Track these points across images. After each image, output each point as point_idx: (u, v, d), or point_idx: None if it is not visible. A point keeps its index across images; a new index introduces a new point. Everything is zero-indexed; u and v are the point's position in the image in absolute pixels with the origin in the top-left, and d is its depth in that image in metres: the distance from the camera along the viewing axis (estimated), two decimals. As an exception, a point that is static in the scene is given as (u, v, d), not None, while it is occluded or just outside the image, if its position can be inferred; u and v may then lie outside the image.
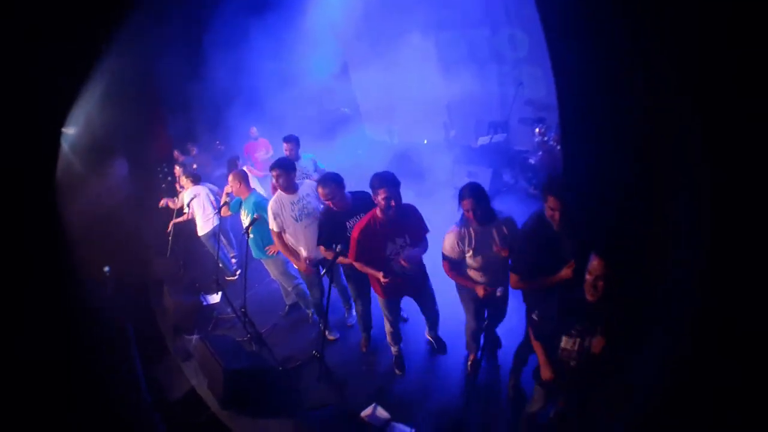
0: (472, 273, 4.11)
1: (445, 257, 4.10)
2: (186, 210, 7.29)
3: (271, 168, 4.96)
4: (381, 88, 10.01)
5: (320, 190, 4.44)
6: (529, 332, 3.60)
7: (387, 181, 3.98)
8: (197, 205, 7.23)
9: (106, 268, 7.42)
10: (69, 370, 4.42)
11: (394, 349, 5.18)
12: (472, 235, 3.93)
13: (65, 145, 7.15)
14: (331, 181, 4.40)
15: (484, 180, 7.88)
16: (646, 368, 3.30)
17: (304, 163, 6.52)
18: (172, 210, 7.63)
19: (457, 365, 5.15)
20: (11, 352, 3.70)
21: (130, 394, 6.16)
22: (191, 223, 7.70)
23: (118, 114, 8.08)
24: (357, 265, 4.38)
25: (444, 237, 4.03)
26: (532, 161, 7.85)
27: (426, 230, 4.42)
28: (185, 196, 7.27)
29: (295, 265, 5.28)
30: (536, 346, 3.44)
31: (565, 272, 3.48)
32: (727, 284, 2.79)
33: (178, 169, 7.95)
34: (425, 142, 9.66)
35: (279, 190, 5.02)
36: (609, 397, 3.47)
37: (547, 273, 3.61)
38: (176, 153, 9.25)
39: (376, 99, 10.44)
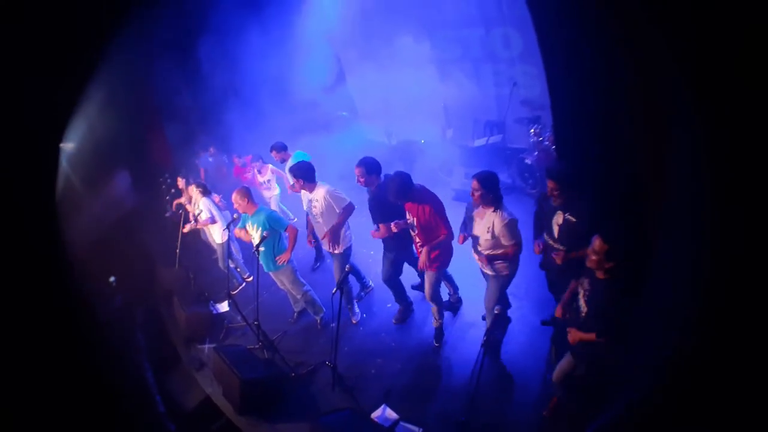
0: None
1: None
2: (202, 216, 7.27)
3: (290, 172, 5.64)
4: (377, 90, 10.03)
5: (355, 169, 5.32)
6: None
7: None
8: (215, 213, 7.26)
9: (112, 279, 7.49)
10: (81, 382, 4.50)
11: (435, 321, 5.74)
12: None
13: (65, 162, 7.19)
14: (363, 165, 5.30)
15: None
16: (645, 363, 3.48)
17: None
18: (179, 220, 7.68)
19: (463, 363, 5.37)
20: (22, 366, 3.77)
21: (143, 404, 6.32)
22: (197, 235, 7.82)
23: (116, 125, 8.10)
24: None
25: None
26: (528, 161, 7.96)
27: (440, 230, 4.92)
28: (201, 205, 7.25)
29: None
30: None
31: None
32: (722, 279, 2.90)
33: (181, 181, 7.98)
34: (422, 141, 9.73)
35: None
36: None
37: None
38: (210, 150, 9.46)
39: (373, 100, 10.48)
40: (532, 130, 8.06)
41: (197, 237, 7.91)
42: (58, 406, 4.16)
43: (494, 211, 4.49)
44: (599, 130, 4.35)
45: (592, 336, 3.70)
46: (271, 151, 7.27)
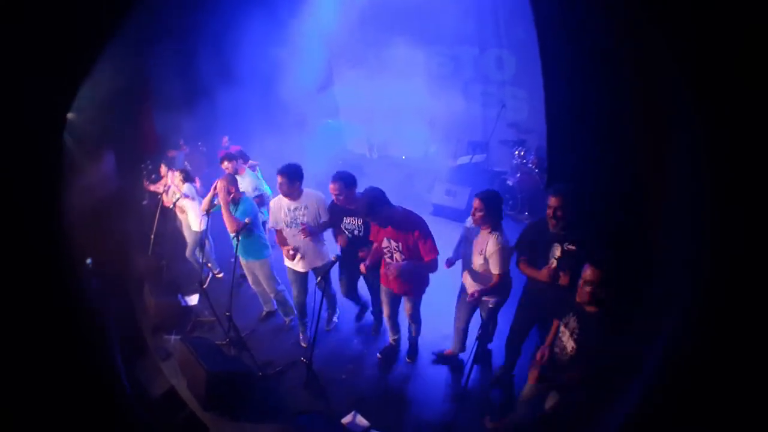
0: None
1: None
2: (184, 201, 7.18)
3: (278, 173, 5.14)
4: (364, 99, 10.12)
5: (330, 186, 5.00)
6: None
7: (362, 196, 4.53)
8: (193, 202, 7.18)
9: (88, 261, 7.38)
10: (52, 358, 4.41)
11: (392, 339, 5.67)
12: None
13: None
14: (340, 181, 4.97)
15: (462, 199, 8.13)
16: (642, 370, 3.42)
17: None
18: (155, 208, 7.60)
19: (438, 374, 5.42)
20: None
21: (112, 385, 6.23)
22: (174, 224, 7.74)
23: (108, 106, 8.04)
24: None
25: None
26: (510, 182, 8.08)
27: (429, 251, 4.64)
28: (184, 190, 7.15)
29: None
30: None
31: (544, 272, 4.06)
32: (723, 286, 2.85)
33: (164, 168, 7.90)
34: (403, 157, 9.78)
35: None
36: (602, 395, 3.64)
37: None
38: (171, 151, 9.24)
39: (359, 110, 10.54)
40: (516, 152, 8.21)
41: (174, 226, 7.80)
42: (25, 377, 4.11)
43: (490, 232, 4.34)
44: (598, 135, 4.32)
45: (572, 376, 3.47)
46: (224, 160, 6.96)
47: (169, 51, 9.05)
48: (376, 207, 4.39)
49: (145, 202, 8.41)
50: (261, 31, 9.19)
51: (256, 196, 6.70)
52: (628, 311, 3.46)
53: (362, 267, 5.02)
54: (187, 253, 7.52)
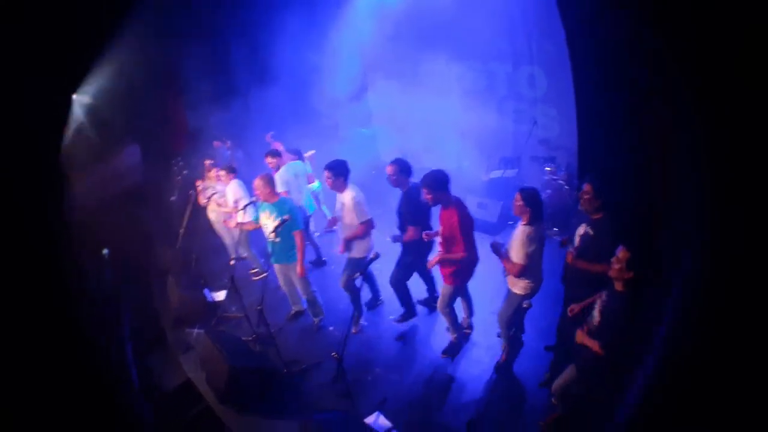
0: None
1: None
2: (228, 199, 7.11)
3: (325, 168, 5.54)
4: (398, 111, 10.18)
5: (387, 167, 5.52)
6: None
7: (423, 181, 5.01)
8: (243, 196, 7.02)
9: (105, 251, 7.38)
10: (58, 349, 4.38)
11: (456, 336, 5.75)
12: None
13: (81, 116, 7.13)
14: (397, 163, 5.49)
15: (494, 212, 8.12)
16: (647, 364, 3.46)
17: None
18: (186, 204, 7.62)
19: (462, 382, 5.36)
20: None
21: (118, 377, 6.18)
22: (205, 222, 7.73)
23: (138, 101, 8.13)
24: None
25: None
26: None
27: (458, 244, 4.99)
28: (234, 188, 7.07)
29: None
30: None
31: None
32: (722, 279, 2.91)
33: (208, 162, 7.77)
34: (436, 169, 9.79)
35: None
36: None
37: None
38: (216, 143, 9.25)
39: (392, 121, 10.54)
40: (547, 168, 8.18)
41: (205, 224, 7.79)
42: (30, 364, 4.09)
43: (524, 224, 4.61)
44: (627, 149, 4.44)
45: (595, 344, 3.81)
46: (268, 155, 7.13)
47: (202, 48, 9.16)
48: (437, 184, 4.93)
49: (173, 198, 8.40)
50: (299, 36, 9.30)
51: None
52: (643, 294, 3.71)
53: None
54: (242, 250, 7.49)
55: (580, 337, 3.96)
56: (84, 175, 7.07)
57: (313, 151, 8.04)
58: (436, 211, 5.27)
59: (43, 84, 4.34)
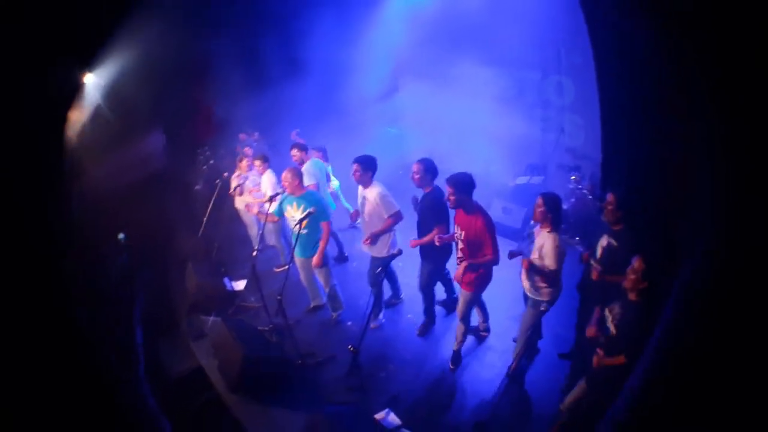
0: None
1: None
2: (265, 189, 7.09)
3: (353, 161, 5.56)
4: (427, 113, 10.16)
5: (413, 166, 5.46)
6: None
7: (449, 180, 5.00)
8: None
9: (121, 236, 7.42)
10: (58, 349, 4.36)
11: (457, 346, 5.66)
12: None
13: (101, 99, 7.18)
14: (423, 162, 5.46)
15: (518, 218, 8.07)
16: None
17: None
18: (211, 193, 7.64)
19: (475, 385, 5.35)
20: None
21: (123, 360, 6.20)
22: (231, 212, 7.76)
23: (165, 87, 8.16)
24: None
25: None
26: (564, 206, 7.95)
27: (488, 250, 4.95)
28: (270, 177, 7.08)
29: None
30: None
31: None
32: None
33: (249, 150, 7.92)
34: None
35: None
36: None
37: None
38: (242, 135, 9.26)
39: (422, 122, 10.52)
40: (572, 177, 8.10)
41: (229, 214, 7.82)
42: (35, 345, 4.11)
43: (549, 232, 4.60)
44: (651, 158, 4.48)
45: (620, 359, 3.83)
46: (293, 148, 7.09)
47: (234, 38, 9.21)
48: (464, 187, 4.96)
49: (198, 187, 8.46)
50: (332, 32, 9.35)
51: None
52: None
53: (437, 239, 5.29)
54: (274, 239, 7.52)
55: (599, 359, 4.00)
56: (104, 158, 7.11)
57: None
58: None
59: (43, 84, 4.39)
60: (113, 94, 7.37)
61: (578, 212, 7.80)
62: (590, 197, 7.82)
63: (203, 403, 5.59)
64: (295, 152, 6.96)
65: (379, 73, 10.41)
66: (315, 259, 5.82)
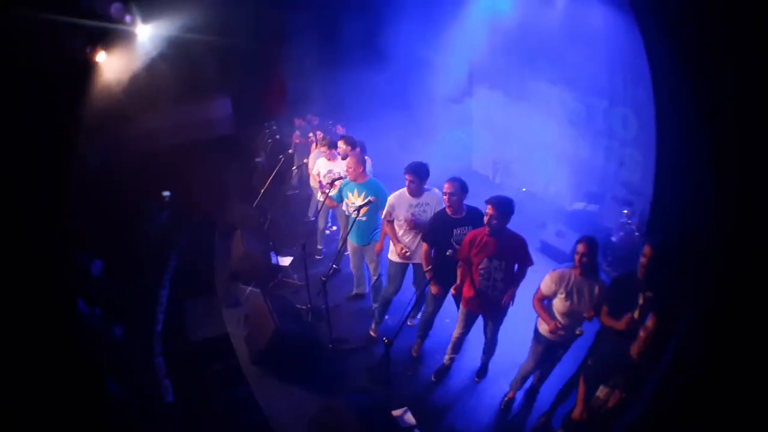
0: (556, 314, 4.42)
1: (540, 290, 4.42)
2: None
3: (405, 171, 5.13)
4: (497, 122, 10.20)
5: (446, 184, 4.77)
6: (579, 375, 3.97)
7: (494, 202, 4.37)
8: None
9: (166, 193, 7.60)
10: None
11: (448, 358, 5.43)
12: (572, 280, 4.23)
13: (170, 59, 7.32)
14: (458, 182, 4.77)
15: (569, 243, 8.01)
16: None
17: None
18: (271, 166, 7.70)
19: (492, 395, 5.33)
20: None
21: (145, 314, 6.43)
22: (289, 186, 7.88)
23: (239, 56, 8.27)
24: (460, 269, 4.77)
25: (548, 273, 4.35)
26: (613, 239, 7.92)
27: (528, 263, 4.68)
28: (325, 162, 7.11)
29: (393, 246, 5.43)
30: (581, 386, 3.78)
31: (624, 322, 3.90)
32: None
33: (320, 134, 7.98)
34: (523, 189, 9.77)
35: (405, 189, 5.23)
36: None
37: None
38: (297, 120, 9.23)
39: (491, 131, 10.56)
40: (625, 211, 8.05)
41: (286, 190, 7.96)
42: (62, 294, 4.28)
43: (595, 280, 4.23)
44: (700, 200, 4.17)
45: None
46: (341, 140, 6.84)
47: (316, 20, 9.35)
48: (507, 215, 4.41)
49: (259, 159, 8.65)
50: (414, 27, 9.41)
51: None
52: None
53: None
54: (320, 221, 7.57)
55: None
56: (158, 111, 7.21)
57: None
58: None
59: (43, 83, 4.53)
60: (174, 49, 7.48)
61: (623, 247, 7.73)
62: (636, 234, 7.77)
63: (218, 370, 5.74)
64: (341, 145, 6.82)
65: (456, 75, 10.45)
66: (377, 246, 5.83)
